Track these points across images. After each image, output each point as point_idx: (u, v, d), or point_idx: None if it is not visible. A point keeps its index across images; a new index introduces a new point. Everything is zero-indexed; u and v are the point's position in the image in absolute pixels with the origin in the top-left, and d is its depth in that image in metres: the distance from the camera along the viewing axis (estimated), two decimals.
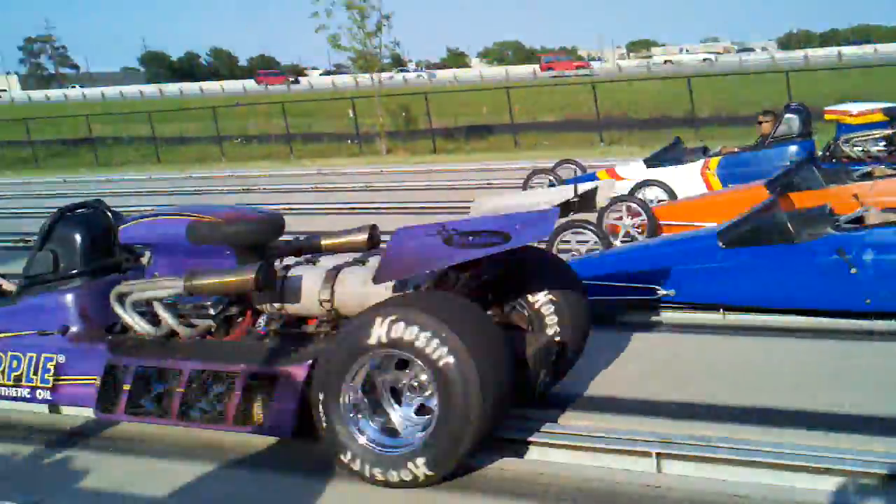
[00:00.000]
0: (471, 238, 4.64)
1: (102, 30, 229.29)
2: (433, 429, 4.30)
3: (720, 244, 7.13)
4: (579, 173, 14.44)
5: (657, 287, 7.27)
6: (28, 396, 5.80)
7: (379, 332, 4.31)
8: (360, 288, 5.07)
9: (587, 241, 8.94)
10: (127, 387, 5.29)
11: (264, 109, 39.28)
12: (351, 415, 4.53)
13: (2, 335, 5.96)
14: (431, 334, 4.20)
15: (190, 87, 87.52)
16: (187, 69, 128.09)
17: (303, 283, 5.21)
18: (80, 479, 4.97)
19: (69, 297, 5.86)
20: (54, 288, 5.97)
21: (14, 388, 5.84)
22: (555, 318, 5.39)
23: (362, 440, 4.50)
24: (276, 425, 4.84)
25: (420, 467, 4.32)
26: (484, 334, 4.38)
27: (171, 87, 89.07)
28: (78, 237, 6.04)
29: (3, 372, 5.88)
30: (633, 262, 7.58)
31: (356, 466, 4.48)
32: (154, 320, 5.48)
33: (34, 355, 5.78)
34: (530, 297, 5.41)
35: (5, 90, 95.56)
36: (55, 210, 6.23)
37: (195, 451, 5.19)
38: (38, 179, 27.30)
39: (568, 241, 8.99)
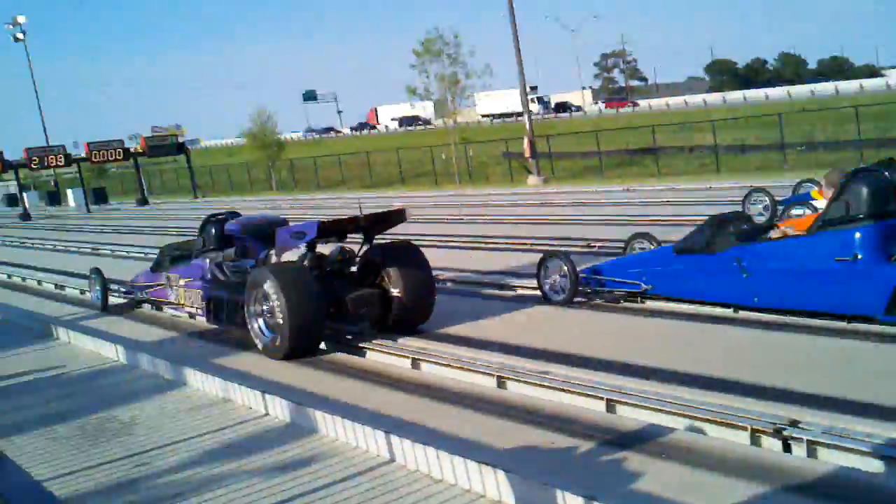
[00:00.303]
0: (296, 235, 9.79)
1: (671, 41, 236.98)
2: (274, 327, 9.39)
3: (674, 253, 9.84)
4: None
5: (641, 283, 10.14)
6: (193, 312, 11.82)
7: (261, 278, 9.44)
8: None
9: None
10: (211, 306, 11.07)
11: (832, 115, 37.27)
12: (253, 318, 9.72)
13: (185, 279, 11.85)
14: (270, 281, 9.16)
15: (755, 94, 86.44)
16: (752, 75, 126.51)
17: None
18: (633, 481, 5.24)
19: (206, 262, 11.55)
20: (201, 255, 11.80)
21: (188, 308, 11.99)
22: (399, 285, 9.78)
23: (256, 329, 9.66)
24: None
25: (277, 342, 9.31)
26: (298, 282, 9.21)
27: (735, 95, 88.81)
28: (213, 230, 11.94)
29: (183, 296, 11.97)
30: (631, 265, 10.50)
31: (259, 344, 9.67)
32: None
33: (194, 291, 11.53)
34: (388, 270, 9.87)
35: (580, 106, 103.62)
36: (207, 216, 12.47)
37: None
38: (600, 188, 29.15)
39: None
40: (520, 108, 45.11)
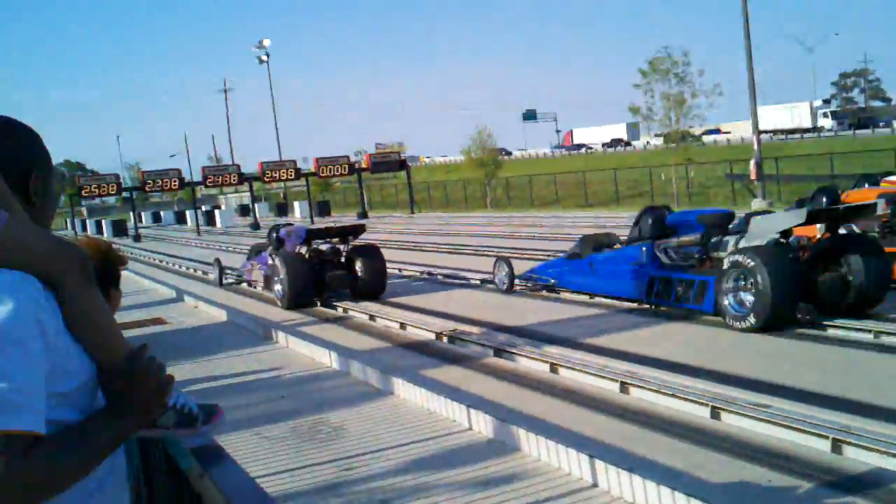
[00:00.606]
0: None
1: None
2: (279, 290, 16.20)
3: (565, 258, 14.90)
4: None
5: (551, 279, 14.83)
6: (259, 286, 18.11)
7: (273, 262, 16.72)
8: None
9: None
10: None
11: None
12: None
13: (258, 265, 17.86)
14: (279, 262, 15.80)
15: None
16: None
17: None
18: None
19: (266, 254, 17.33)
20: (267, 250, 17.68)
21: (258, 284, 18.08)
22: (361, 269, 15.83)
23: (277, 290, 16.49)
24: None
25: (283, 299, 15.93)
26: (294, 264, 15.62)
27: None
28: (273, 235, 17.15)
29: (255, 275, 18.27)
30: (548, 267, 15.35)
31: (276, 298, 16.67)
32: None
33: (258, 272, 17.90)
34: (357, 261, 15.92)
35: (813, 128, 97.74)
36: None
37: None
38: None
39: None
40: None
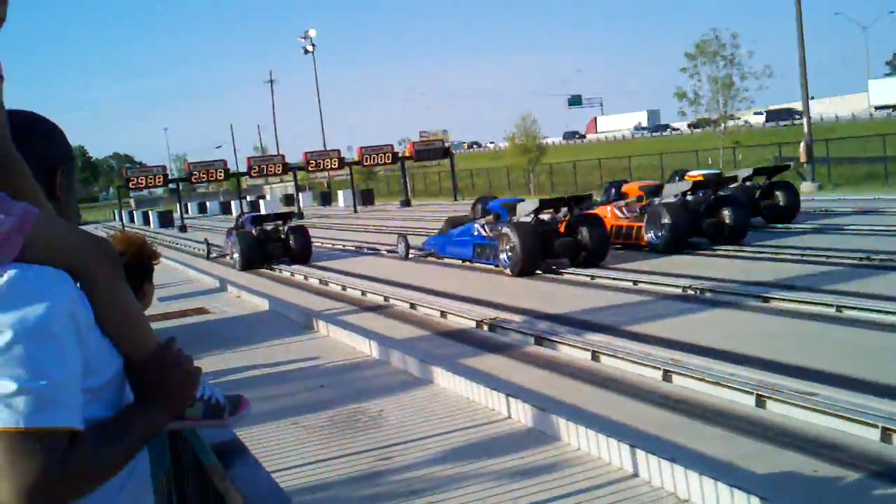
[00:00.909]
0: None
1: None
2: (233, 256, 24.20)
3: (438, 234, 21.15)
4: None
5: (434, 249, 20.55)
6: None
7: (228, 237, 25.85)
8: None
9: None
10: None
11: None
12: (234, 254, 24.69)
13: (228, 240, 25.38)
14: (236, 238, 23.35)
15: None
16: None
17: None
18: None
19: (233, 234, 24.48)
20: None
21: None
22: (293, 242, 22.90)
23: (235, 256, 23.89)
24: None
25: (237, 264, 23.33)
26: (247, 239, 22.88)
27: None
28: (237, 222, 26.56)
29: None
30: (431, 240, 21.06)
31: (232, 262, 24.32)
32: None
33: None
34: (291, 237, 23.09)
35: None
36: None
37: None
38: (886, 196, 26.70)
39: None
40: None
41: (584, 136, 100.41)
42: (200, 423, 2.35)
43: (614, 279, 14.71)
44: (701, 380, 7.85)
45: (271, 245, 22.76)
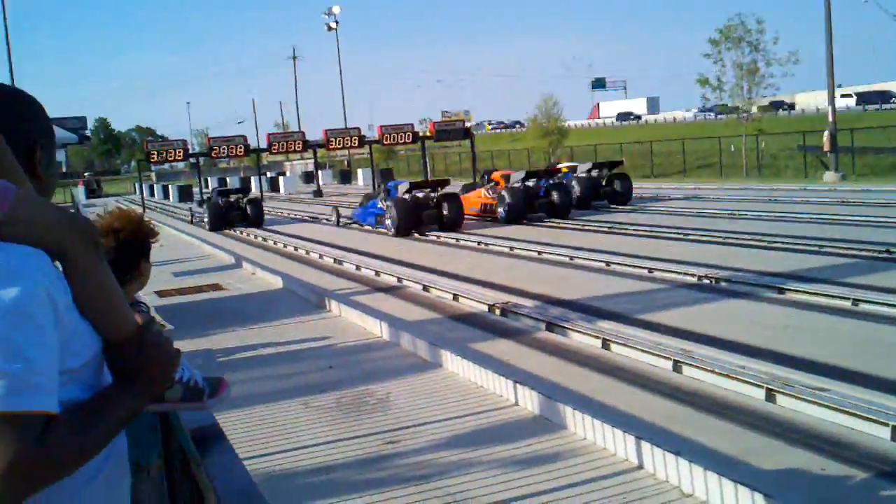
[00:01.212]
0: None
1: None
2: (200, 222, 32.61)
3: (359, 206, 27.45)
4: None
5: (359, 220, 26.40)
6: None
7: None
8: None
9: None
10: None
11: None
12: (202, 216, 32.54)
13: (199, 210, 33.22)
14: (207, 207, 31.87)
15: None
16: None
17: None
18: None
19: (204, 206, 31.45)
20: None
21: None
22: (249, 210, 29.97)
23: (205, 219, 31.76)
24: None
25: (205, 225, 31.39)
26: (215, 208, 30.42)
27: None
28: (206, 198, 34.90)
29: None
30: (357, 211, 27.05)
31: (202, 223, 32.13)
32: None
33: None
34: (247, 207, 30.27)
35: None
36: None
37: None
38: None
39: None
40: None
41: (639, 118, 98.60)
42: (179, 406, 2.33)
43: (467, 241, 20.75)
44: (711, 371, 7.77)
45: (233, 213, 30.00)
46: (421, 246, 21.01)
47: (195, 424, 2.48)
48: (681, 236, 17.77)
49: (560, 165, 30.17)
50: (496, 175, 27.19)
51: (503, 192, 24.29)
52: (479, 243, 19.81)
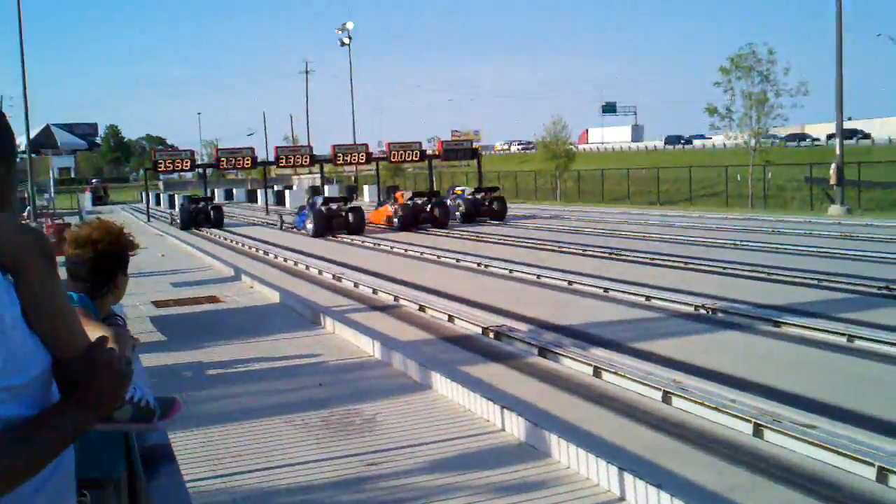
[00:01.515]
0: None
1: None
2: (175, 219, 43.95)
3: (297, 212, 38.42)
4: None
5: (297, 227, 33.81)
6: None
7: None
8: None
9: None
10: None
11: None
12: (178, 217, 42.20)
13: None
14: (177, 210, 47.98)
15: None
16: None
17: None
18: None
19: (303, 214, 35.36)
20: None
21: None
22: (213, 215, 39.33)
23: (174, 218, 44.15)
24: None
25: (177, 223, 41.86)
26: (185, 211, 40.53)
27: None
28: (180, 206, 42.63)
29: None
30: (296, 216, 35.59)
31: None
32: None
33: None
34: (210, 211, 39.78)
35: None
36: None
37: None
38: None
39: None
40: None
41: (690, 142, 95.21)
42: (129, 427, 2.29)
43: (365, 241, 28.79)
44: (700, 403, 7.69)
45: (200, 216, 38.27)
46: (329, 244, 28.04)
47: (147, 443, 2.45)
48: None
49: (456, 189, 39.32)
50: (398, 195, 36.28)
51: (398, 208, 32.94)
52: (373, 244, 26.83)
